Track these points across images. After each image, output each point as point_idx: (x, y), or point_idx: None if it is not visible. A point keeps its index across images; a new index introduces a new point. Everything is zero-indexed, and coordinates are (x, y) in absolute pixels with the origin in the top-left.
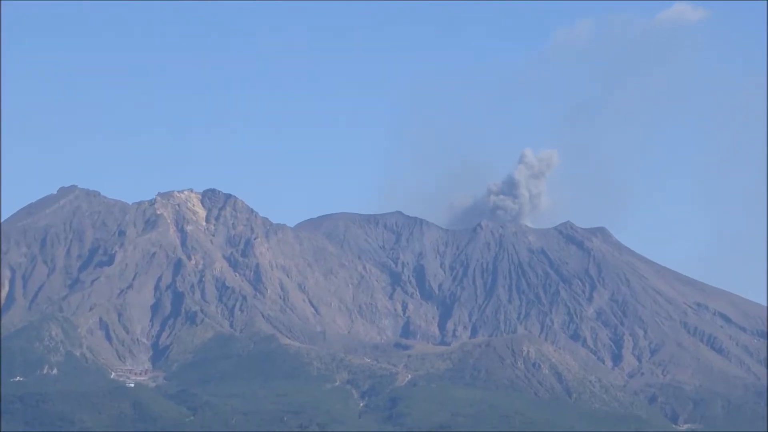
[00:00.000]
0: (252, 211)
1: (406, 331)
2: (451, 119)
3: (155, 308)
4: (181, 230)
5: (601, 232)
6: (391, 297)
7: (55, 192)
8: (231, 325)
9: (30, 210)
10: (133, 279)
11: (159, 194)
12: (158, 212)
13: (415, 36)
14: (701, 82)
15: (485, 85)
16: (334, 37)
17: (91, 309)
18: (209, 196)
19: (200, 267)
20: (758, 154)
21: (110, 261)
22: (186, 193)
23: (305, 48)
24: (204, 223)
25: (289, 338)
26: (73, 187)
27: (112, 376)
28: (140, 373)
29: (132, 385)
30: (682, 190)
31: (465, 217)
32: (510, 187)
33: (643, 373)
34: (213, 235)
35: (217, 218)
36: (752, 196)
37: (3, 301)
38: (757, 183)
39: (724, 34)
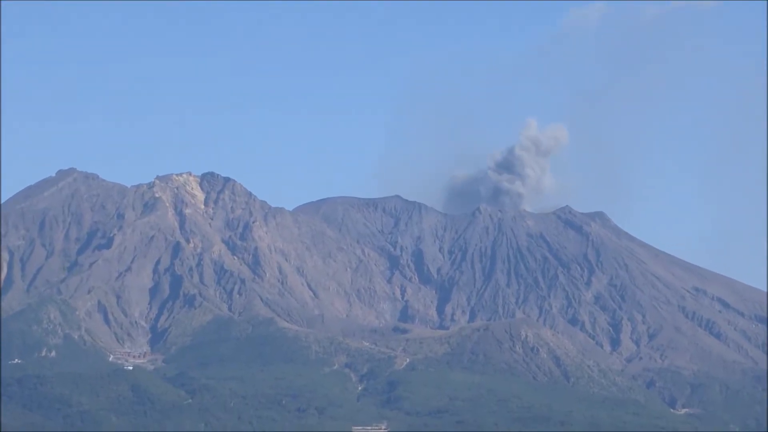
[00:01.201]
0: (250, 194)
1: (405, 315)
2: (453, 102)
3: (154, 291)
4: (180, 213)
5: (599, 216)
6: (389, 281)
7: (53, 175)
8: (229, 309)
9: (28, 193)
10: (132, 262)
11: (157, 177)
12: (157, 195)
13: (418, 17)
14: (708, 68)
15: (490, 67)
16: (332, 20)
17: (89, 292)
18: (208, 180)
19: (199, 250)
20: (759, 140)
21: (109, 244)
22: (184, 176)
23: (304, 31)
24: (202, 207)
25: (287, 322)
26: (71, 170)
27: (110, 359)
28: (138, 356)
29: (130, 367)
30: (682, 175)
31: (465, 195)
32: (511, 163)
33: (641, 358)
34: (211, 219)
35: (215, 201)
36: (752, 182)
37: (1, 284)
38: (757, 169)
39: (736, 22)
